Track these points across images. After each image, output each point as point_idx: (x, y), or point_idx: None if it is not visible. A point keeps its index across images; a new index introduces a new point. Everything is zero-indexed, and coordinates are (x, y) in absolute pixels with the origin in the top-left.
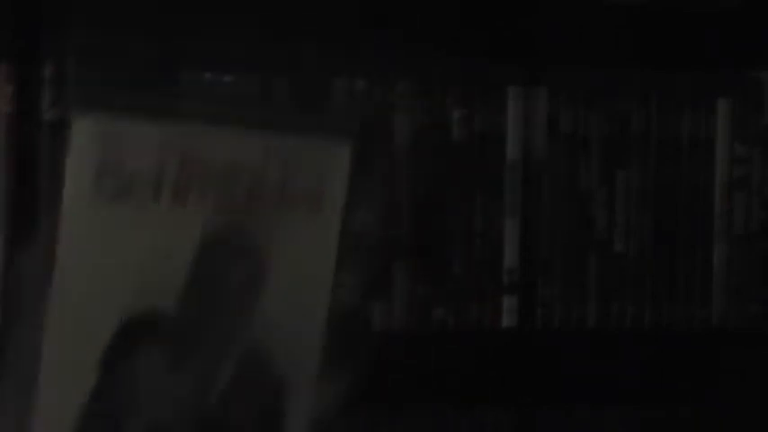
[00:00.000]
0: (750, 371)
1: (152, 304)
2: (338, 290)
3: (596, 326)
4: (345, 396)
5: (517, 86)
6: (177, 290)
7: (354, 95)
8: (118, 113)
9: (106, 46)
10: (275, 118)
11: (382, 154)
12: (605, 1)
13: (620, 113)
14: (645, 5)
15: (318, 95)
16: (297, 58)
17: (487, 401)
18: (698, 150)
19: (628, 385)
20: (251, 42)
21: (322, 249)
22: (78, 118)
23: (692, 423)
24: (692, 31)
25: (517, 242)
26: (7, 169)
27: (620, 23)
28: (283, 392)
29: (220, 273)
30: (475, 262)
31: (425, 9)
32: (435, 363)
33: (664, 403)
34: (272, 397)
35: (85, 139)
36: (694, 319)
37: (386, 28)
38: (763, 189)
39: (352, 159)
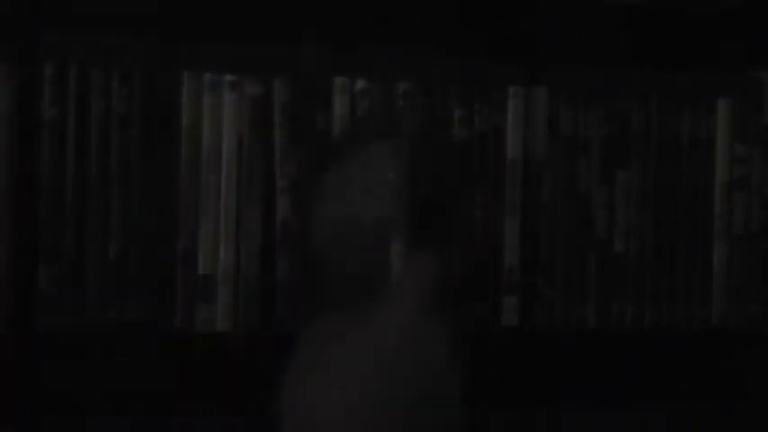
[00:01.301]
0: (750, 371)
1: None
2: None
3: (596, 326)
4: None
5: (517, 86)
6: None
7: (354, 95)
8: None
9: None
10: None
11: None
12: (605, 1)
13: (620, 113)
14: (645, 5)
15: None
16: (297, 58)
17: (487, 401)
18: (698, 150)
19: (628, 385)
20: (251, 42)
21: None
22: None
23: (692, 423)
24: (692, 31)
25: (517, 242)
26: (7, 169)
27: (620, 23)
28: None
29: None
30: (475, 262)
31: (425, 9)
32: None
33: (664, 403)
34: None
35: None
36: (694, 319)
37: (386, 28)
38: (763, 189)
39: None
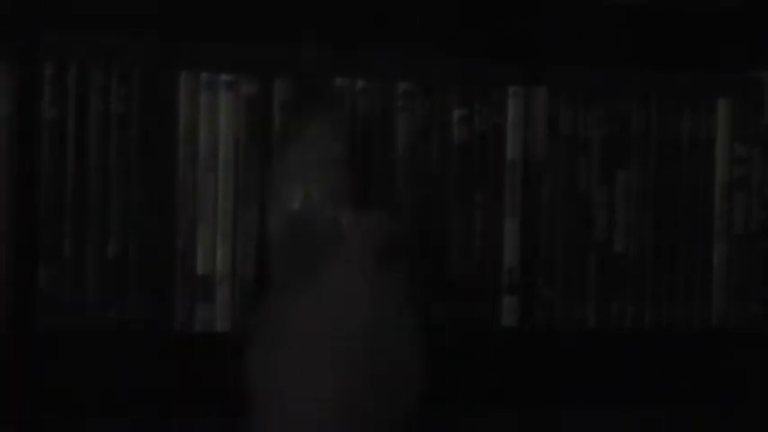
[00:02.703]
0: (750, 371)
1: None
2: None
3: (596, 326)
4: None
5: (517, 86)
6: None
7: (354, 95)
8: None
9: None
10: None
11: (382, 154)
12: (605, 1)
13: (620, 113)
14: (645, 5)
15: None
16: (297, 58)
17: (488, 401)
18: (698, 150)
19: (628, 385)
20: (251, 42)
21: None
22: None
23: (692, 423)
24: (692, 31)
25: (517, 242)
26: (7, 169)
27: (620, 23)
28: None
29: None
30: (475, 262)
31: (425, 9)
32: (435, 362)
33: (664, 403)
34: None
35: None
36: (694, 319)
37: (386, 28)
38: (763, 189)
39: None
